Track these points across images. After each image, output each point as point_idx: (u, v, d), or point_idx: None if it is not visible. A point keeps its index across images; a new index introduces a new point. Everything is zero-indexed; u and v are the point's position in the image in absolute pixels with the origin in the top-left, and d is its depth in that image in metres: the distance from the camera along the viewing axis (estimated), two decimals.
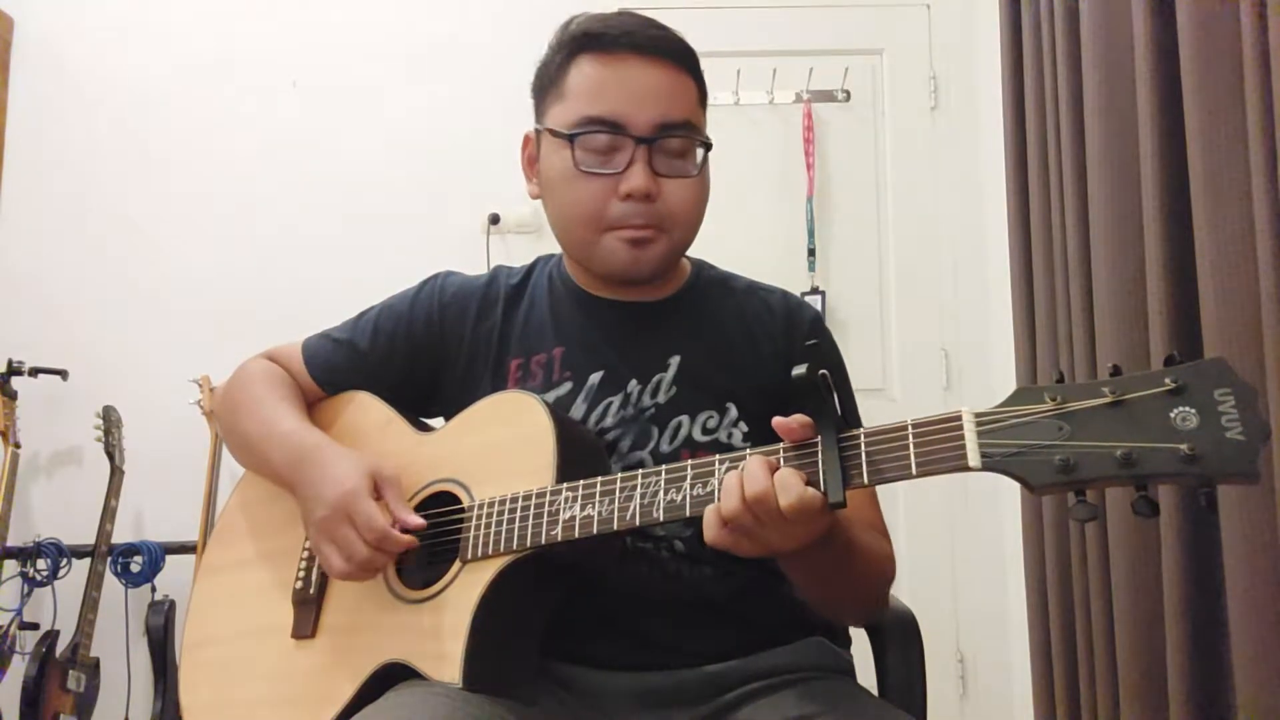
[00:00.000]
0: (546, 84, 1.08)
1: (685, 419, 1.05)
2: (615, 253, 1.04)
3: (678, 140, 1.03)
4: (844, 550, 0.91)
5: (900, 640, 1.12)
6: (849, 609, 1.04)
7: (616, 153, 1.02)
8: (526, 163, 1.13)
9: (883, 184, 2.78)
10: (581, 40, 1.04)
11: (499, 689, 0.88)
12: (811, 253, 2.70)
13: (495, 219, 2.70)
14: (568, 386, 1.07)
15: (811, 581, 0.95)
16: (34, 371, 2.47)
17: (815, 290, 2.67)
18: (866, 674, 1.10)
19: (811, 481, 0.79)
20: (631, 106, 1.01)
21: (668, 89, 1.03)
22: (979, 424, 0.74)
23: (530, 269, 1.19)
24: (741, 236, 2.57)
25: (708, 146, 1.06)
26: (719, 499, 0.81)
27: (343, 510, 0.94)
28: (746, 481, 0.79)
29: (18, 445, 2.37)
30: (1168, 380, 0.69)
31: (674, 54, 1.04)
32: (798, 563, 0.91)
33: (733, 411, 1.06)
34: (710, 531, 0.82)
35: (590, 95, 1.02)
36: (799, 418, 0.82)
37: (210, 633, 1.11)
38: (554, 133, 1.04)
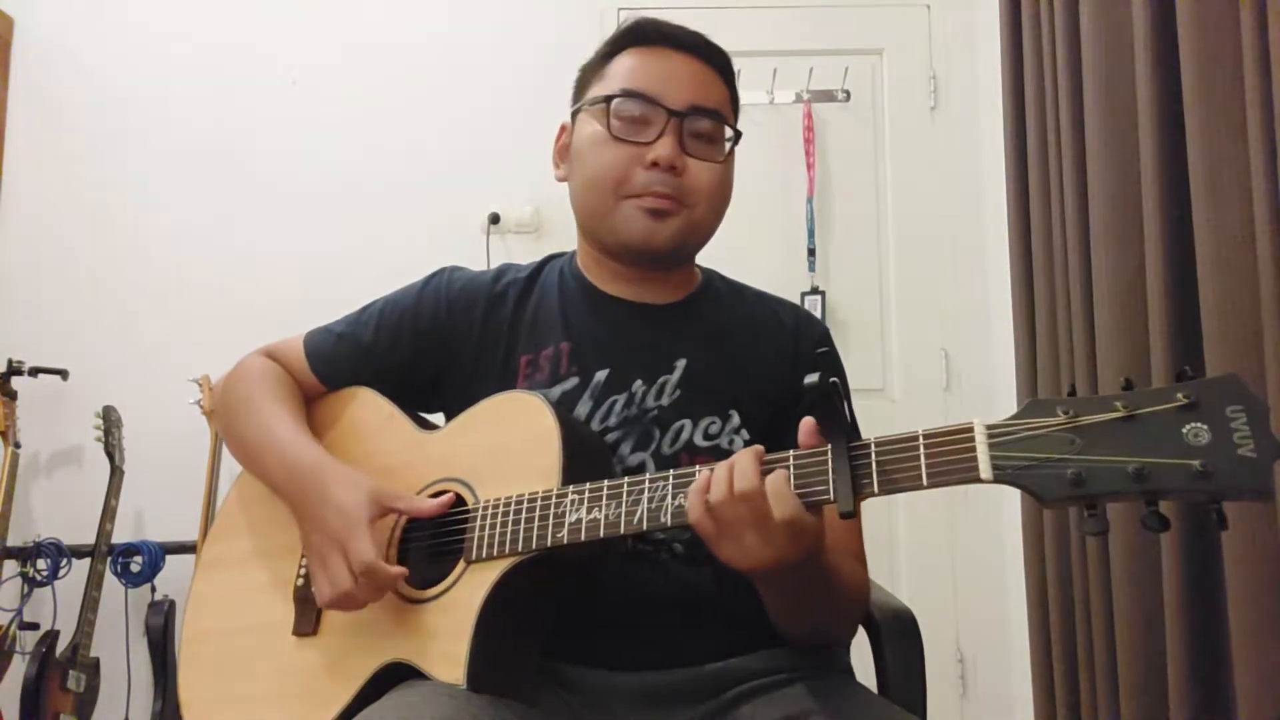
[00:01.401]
0: (589, 75, 1.13)
1: (687, 423, 1.05)
2: (633, 221, 1.06)
3: (708, 124, 1.08)
4: (824, 576, 0.91)
5: (900, 640, 1.11)
6: (821, 634, 1.04)
7: (649, 126, 1.06)
8: (558, 151, 1.16)
9: (883, 184, 2.78)
10: (626, 37, 1.11)
11: (502, 689, 0.88)
12: (811, 253, 2.71)
13: (495, 219, 2.70)
14: (574, 381, 1.07)
15: (786, 604, 0.95)
16: (34, 371, 2.47)
17: (815, 290, 2.67)
18: (866, 674, 1.10)
19: (819, 490, 0.79)
20: (667, 87, 1.07)
21: (702, 79, 1.09)
22: (990, 435, 0.74)
23: (540, 265, 1.19)
24: (742, 236, 2.55)
25: (737, 136, 1.11)
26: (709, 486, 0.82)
27: (338, 540, 0.94)
28: (736, 477, 0.80)
29: (18, 445, 2.37)
30: (1180, 396, 0.69)
31: (710, 55, 1.11)
32: (774, 584, 0.91)
33: (735, 418, 1.06)
34: (695, 513, 0.82)
35: (629, 75, 1.08)
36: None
37: (210, 627, 1.10)
38: (593, 101, 1.09)
